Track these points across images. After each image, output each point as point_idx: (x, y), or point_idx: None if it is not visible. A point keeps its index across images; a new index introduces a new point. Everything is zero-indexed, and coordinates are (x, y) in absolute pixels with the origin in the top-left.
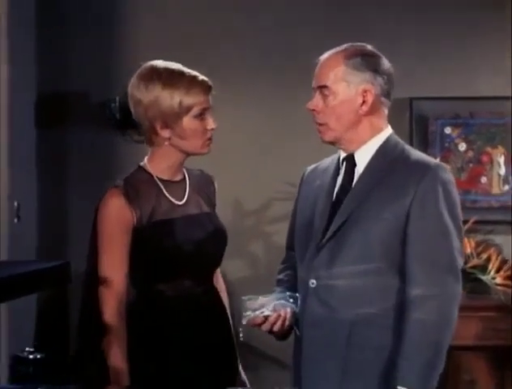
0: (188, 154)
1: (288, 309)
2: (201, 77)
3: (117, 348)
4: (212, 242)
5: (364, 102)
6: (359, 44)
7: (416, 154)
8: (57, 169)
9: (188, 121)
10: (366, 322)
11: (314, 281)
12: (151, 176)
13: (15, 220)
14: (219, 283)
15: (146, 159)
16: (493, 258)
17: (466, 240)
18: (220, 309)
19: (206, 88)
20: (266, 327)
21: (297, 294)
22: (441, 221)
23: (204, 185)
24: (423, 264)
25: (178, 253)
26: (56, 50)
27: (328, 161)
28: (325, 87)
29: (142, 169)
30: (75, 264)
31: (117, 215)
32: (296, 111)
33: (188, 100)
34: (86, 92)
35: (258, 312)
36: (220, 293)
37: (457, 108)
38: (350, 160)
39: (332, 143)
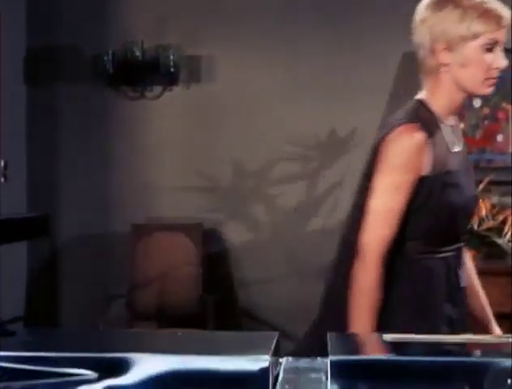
0: (465, 91)
1: None
2: (499, 10)
3: (364, 314)
4: (474, 201)
5: None
6: None
7: None
8: (47, 127)
9: (472, 49)
10: None
11: None
12: (433, 115)
13: (2, 180)
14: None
15: (424, 93)
16: (509, 220)
17: (480, 201)
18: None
19: (501, 21)
20: None
21: None
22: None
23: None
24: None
25: (460, 212)
26: (45, 1)
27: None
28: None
29: (423, 105)
30: (66, 226)
31: (412, 154)
32: (298, 68)
33: (477, 26)
34: (77, 45)
35: None
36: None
37: None
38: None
39: None
